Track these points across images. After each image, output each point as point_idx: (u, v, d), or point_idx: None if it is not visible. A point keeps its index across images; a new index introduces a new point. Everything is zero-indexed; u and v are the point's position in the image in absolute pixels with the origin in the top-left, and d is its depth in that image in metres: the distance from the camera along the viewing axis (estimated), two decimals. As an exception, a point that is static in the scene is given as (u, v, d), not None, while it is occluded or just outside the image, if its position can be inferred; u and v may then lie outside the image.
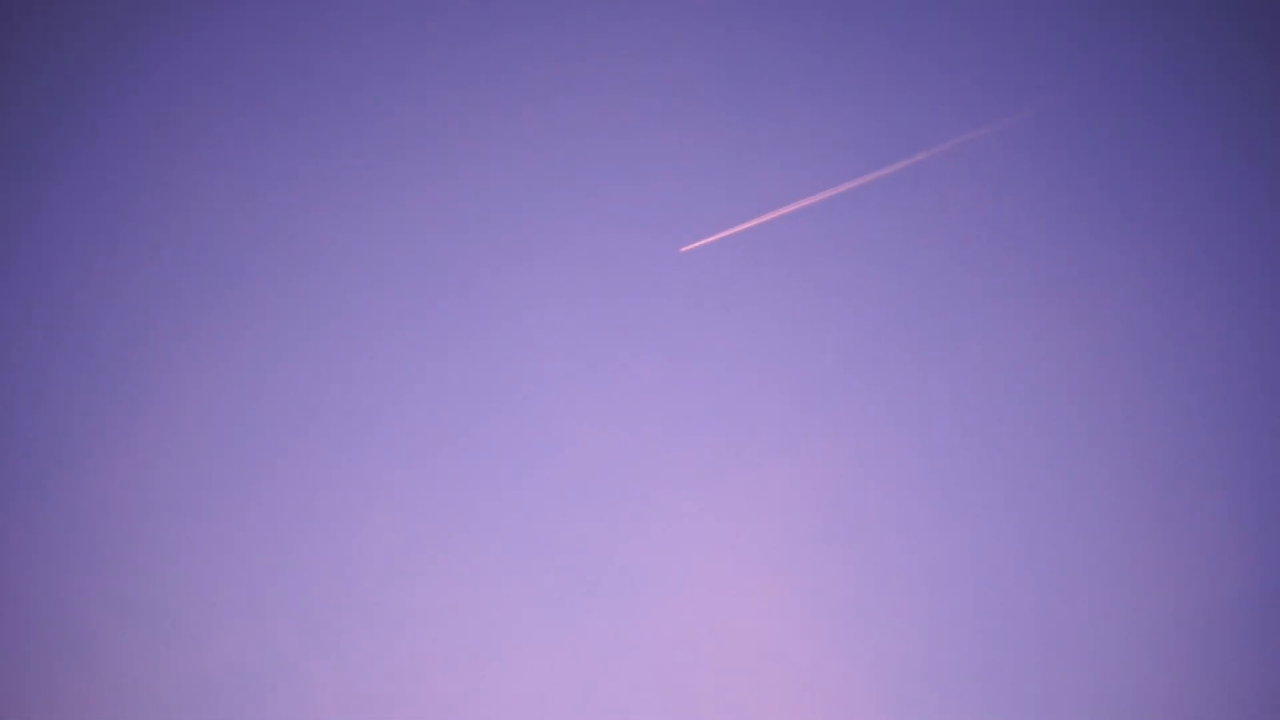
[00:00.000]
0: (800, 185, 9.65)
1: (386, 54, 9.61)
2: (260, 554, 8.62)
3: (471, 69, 9.63)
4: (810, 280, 10.13)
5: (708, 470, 9.80)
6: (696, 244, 8.93)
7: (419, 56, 9.78)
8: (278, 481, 8.78)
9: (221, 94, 9.43)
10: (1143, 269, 8.63)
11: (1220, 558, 7.96)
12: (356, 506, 8.85)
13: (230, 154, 9.19)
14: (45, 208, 9.06)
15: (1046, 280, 9.03)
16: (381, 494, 8.72)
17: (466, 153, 9.76)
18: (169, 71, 9.06)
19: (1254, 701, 7.50)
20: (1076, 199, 8.89)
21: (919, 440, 9.21)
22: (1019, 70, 8.84)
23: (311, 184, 9.59)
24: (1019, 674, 8.63)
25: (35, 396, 8.54)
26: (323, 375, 9.12)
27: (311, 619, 8.71)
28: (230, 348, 8.91)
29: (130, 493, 8.83)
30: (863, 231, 9.36)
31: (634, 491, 9.90)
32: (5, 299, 8.31)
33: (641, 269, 9.12)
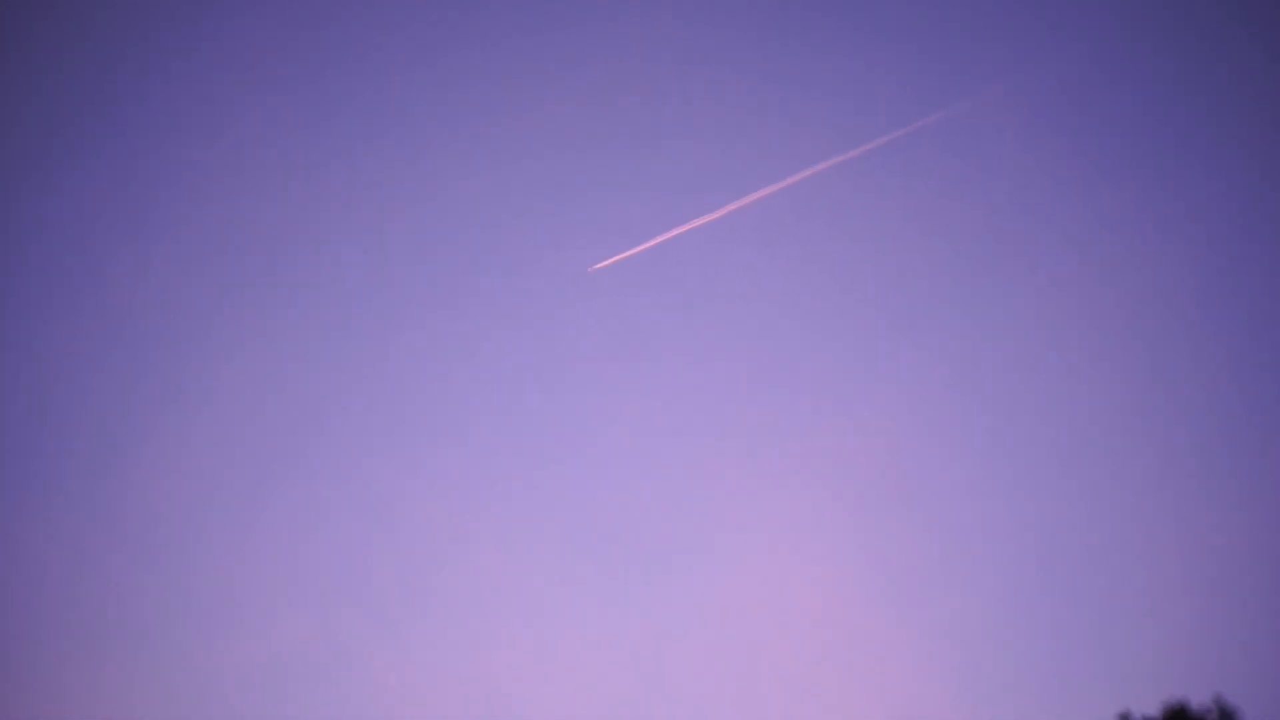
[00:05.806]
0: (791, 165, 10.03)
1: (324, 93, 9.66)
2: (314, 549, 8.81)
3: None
4: (803, 267, 10.44)
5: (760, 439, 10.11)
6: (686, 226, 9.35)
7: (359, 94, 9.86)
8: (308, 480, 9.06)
9: (222, 101, 9.51)
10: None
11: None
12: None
13: (228, 163, 9.32)
14: (50, 210, 9.16)
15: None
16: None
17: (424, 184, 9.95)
18: (171, 74, 9.13)
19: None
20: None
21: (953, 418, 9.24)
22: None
23: (313, 196, 9.71)
24: (1078, 636, 8.69)
25: (65, 400, 8.74)
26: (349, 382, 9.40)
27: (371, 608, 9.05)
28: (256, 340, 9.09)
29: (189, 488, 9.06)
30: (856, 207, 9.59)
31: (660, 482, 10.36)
32: (14, 302, 8.41)
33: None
